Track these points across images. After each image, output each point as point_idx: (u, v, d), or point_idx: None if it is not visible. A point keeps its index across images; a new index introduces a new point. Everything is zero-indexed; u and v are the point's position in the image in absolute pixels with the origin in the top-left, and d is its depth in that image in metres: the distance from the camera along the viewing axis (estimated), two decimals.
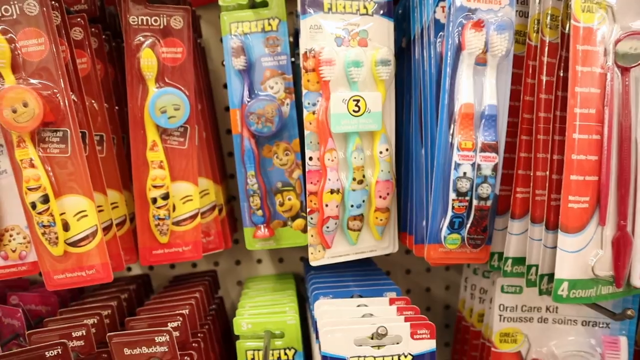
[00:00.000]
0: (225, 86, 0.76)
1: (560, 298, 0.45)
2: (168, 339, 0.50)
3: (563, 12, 0.47)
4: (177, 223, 0.58)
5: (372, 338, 0.48)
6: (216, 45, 0.74)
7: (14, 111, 0.47)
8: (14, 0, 0.48)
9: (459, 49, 0.48)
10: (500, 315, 0.58)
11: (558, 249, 0.44)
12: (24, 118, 0.47)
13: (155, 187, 0.56)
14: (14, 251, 0.56)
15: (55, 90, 0.49)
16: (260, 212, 0.58)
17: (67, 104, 0.49)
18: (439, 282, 0.79)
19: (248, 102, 0.57)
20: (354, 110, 0.53)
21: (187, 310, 0.57)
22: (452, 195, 0.49)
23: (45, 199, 0.50)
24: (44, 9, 0.48)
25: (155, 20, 0.55)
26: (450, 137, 0.49)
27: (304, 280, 0.74)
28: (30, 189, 0.49)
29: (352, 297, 0.58)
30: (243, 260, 0.77)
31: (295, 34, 0.62)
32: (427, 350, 0.48)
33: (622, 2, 0.44)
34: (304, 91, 0.53)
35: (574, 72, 0.43)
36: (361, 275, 0.64)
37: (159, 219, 0.57)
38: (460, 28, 0.48)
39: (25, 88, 0.47)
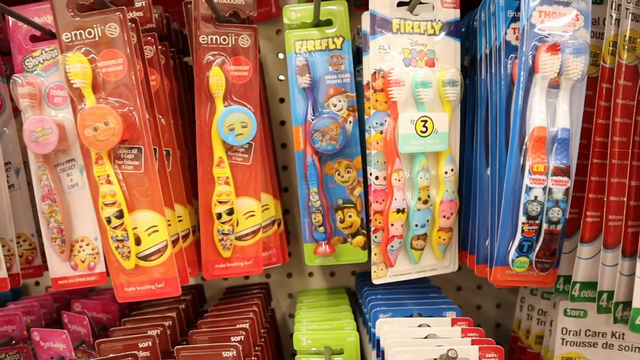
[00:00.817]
0: (281, 100, 0.77)
1: (637, 328, 0.44)
2: (235, 354, 0.51)
3: None
4: (239, 238, 0.59)
5: None
6: (273, 60, 0.75)
7: (95, 129, 0.48)
8: (98, 23, 0.49)
9: (532, 71, 0.48)
10: (563, 339, 0.57)
11: (637, 278, 0.43)
12: (104, 136, 0.48)
13: (220, 202, 0.57)
14: (83, 262, 0.58)
15: (131, 109, 0.50)
16: (322, 229, 0.59)
17: (142, 121, 0.50)
18: (490, 300, 0.78)
19: (312, 119, 0.58)
20: (421, 131, 0.53)
21: (248, 324, 0.58)
22: (522, 218, 0.49)
23: (120, 214, 0.51)
24: (124, 31, 0.49)
25: (224, 39, 0.56)
26: (522, 160, 0.49)
27: (354, 294, 0.75)
28: (106, 204, 0.51)
29: (411, 315, 0.58)
30: (295, 273, 0.78)
31: (356, 52, 0.63)
32: None
33: None
34: (372, 111, 0.53)
35: None
36: (417, 293, 0.64)
37: (223, 233, 0.58)
38: (534, 50, 0.47)
39: (107, 108, 0.48)
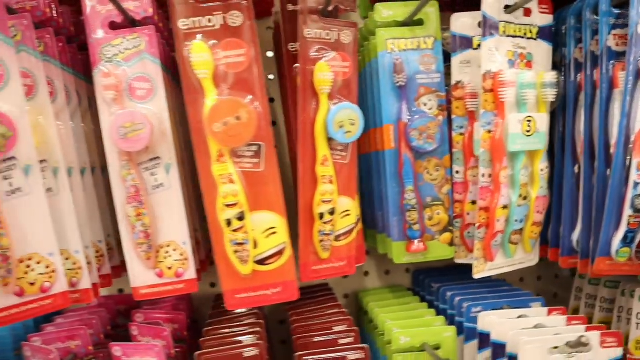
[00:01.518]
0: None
1: None
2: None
3: None
4: (336, 238, 0.57)
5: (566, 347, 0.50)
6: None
7: (225, 124, 0.45)
8: (219, 11, 0.46)
9: (637, 76, 0.52)
10: (638, 324, 0.61)
11: None
12: (236, 131, 0.45)
13: (324, 202, 0.55)
14: (170, 268, 0.54)
15: (257, 103, 0.47)
16: (417, 227, 0.59)
17: (265, 116, 0.48)
18: (542, 291, 0.82)
19: (409, 118, 0.58)
20: (526, 131, 0.55)
21: (345, 326, 0.57)
22: (629, 211, 0.52)
23: (242, 216, 0.48)
24: (247, 19, 0.47)
25: (328, 34, 0.54)
26: (628, 158, 0.52)
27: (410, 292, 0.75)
28: (227, 205, 0.48)
29: (502, 308, 0.60)
30: None
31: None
32: (615, 358, 0.50)
33: None
34: (481, 111, 0.54)
35: None
36: (491, 287, 0.66)
37: (325, 234, 0.56)
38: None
39: (240, 101, 0.45)
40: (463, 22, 0.59)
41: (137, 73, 0.52)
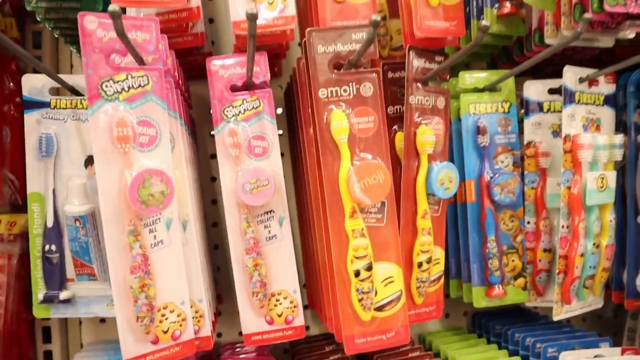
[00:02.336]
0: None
1: None
2: None
3: None
4: (429, 284, 0.62)
5: None
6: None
7: (366, 184, 0.50)
8: (353, 82, 0.52)
9: None
10: None
11: None
12: (374, 191, 0.50)
13: (423, 252, 0.60)
14: (279, 315, 0.57)
15: (383, 165, 0.53)
16: (497, 273, 0.65)
17: (389, 175, 0.53)
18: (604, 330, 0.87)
19: (490, 175, 0.64)
20: (600, 186, 0.62)
21: None
22: None
23: (369, 267, 0.52)
24: (378, 89, 0.52)
25: (427, 100, 0.60)
26: None
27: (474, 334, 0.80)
28: (357, 257, 0.52)
29: (573, 348, 0.65)
30: None
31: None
32: None
33: None
34: (562, 169, 0.61)
35: None
36: (556, 328, 0.71)
37: (422, 281, 0.60)
38: None
39: (379, 164, 0.51)
40: (535, 89, 0.66)
41: (256, 132, 0.56)
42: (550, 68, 0.73)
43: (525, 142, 0.67)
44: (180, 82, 0.60)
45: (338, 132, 0.51)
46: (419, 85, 0.59)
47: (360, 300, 0.53)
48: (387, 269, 0.54)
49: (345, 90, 0.52)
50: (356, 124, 0.52)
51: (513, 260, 0.67)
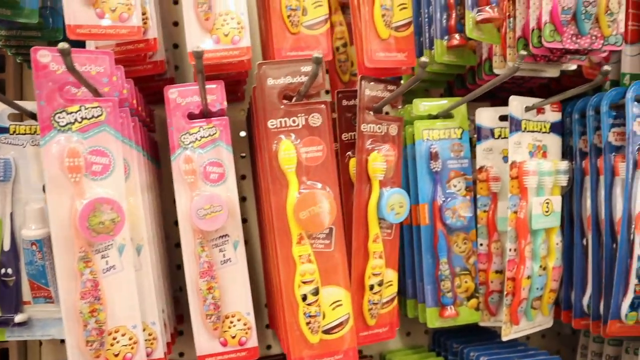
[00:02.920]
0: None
1: None
2: None
3: None
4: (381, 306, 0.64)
5: None
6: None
7: (310, 212, 0.52)
8: (302, 113, 0.54)
9: (635, 167, 0.62)
10: None
11: None
12: (318, 219, 0.52)
13: (374, 274, 0.62)
14: (233, 337, 0.59)
15: (330, 192, 0.55)
16: (450, 294, 0.67)
17: (337, 202, 0.55)
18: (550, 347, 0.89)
19: (443, 199, 0.67)
20: (545, 211, 0.64)
21: None
22: (635, 281, 0.62)
23: (316, 291, 0.54)
24: (326, 119, 0.54)
25: (379, 128, 0.63)
26: (631, 234, 0.62)
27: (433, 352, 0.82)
28: (304, 282, 0.54)
29: None
30: None
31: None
32: None
33: None
34: (509, 195, 0.64)
35: None
36: (508, 347, 0.73)
37: (373, 303, 0.62)
38: (636, 151, 0.62)
39: (325, 192, 0.52)
40: (486, 116, 0.69)
41: (211, 159, 0.58)
42: (504, 94, 0.76)
43: (477, 167, 0.69)
44: (140, 108, 0.61)
45: (285, 162, 0.53)
46: (371, 113, 0.61)
47: (307, 324, 0.54)
48: (335, 292, 0.56)
49: (294, 121, 0.54)
50: (305, 153, 0.54)
51: (466, 282, 0.69)
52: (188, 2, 0.57)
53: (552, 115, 0.68)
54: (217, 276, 0.58)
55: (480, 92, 0.57)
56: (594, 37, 0.59)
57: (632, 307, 0.62)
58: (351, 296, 0.62)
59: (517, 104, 0.64)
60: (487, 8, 0.59)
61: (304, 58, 0.55)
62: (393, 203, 0.61)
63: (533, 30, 0.59)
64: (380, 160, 0.61)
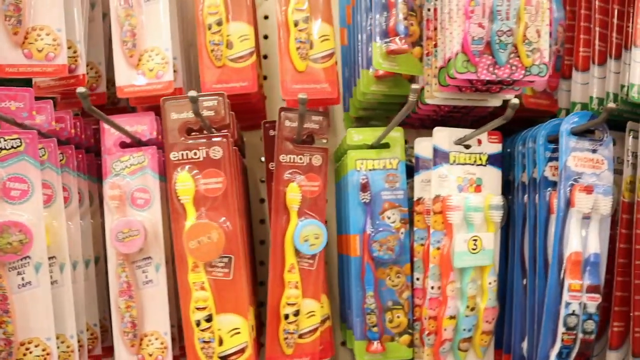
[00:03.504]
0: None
1: None
2: None
3: None
4: (300, 336, 0.64)
5: None
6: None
7: (200, 242, 0.54)
8: (203, 145, 0.56)
9: (568, 204, 0.58)
10: None
11: None
12: (208, 249, 0.54)
13: (289, 304, 0.62)
14: (151, 355, 0.61)
15: (227, 222, 0.56)
16: (375, 329, 0.65)
17: (235, 234, 0.56)
18: None
19: (372, 231, 0.66)
20: (472, 249, 0.61)
21: None
22: (562, 329, 0.57)
23: (210, 318, 0.56)
24: (227, 152, 0.56)
25: (300, 159, 0.63)
26: (561, 278, 0.58)
27: None
28: (198, 308, 0.56)
29: None
30: None
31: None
32: None
33: None
34: (431, 230, 0.62)
35: None
36: None
37: (289, 332, 0.63)
38: (570, 188, 0.58)
39: (213, 224, 0.54)
40: (425, 146, 0.67)
41: (139, 185, 0.62)
42: (452, 122, 0.73)
43: (415, 198, 0.67)
44: (84, 136, 0.67)
45: (181, 193, 0.55)
46: (289, 144, 0.62)
47: (202, 349, 0.56)
48: (234, 320, 0.57)
49: (195, 154, 0.56)
50: (204, 185, 0.56)
51: (398, 317, 0.67)
52: (116, 41, 0.62)
53: (491, 146, 0.65)
54: (135, 296, 0.61)
55: (395, 124, 0.57)
56: (514, 67, 0.56)
57: (560, 357, 0.58)
58: (268, 324, 0.63)
59: (442, 136, 0.62)
60: (397, 39, 0.58)
61: (206, 94, 0.57)
62: (307, 234, 0.61)
63: (450, 60, 0.57)
64: (296, 192, 0.61)
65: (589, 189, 0.57)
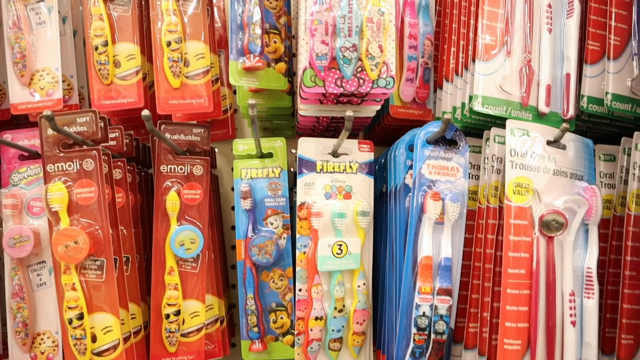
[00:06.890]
0: (232, 208, 0.88)
1: None
2: None
3: (500, 190, 0.59)
4: (185, 335, 0.68)
5: None
6: (228, 173, 0.88)
7: (67, 247, 0.59)
8: (77, 158, 0.61)
9: (421, 211, 0.61)
10: None
11: None
12: (74, 253, 0.59)
13: (169, 305, 0.66)
14: (42, 353, 0.66)
15: (97, 228, 0.61)
16: (256, 329, 0.69)
17: (106, 239, 0.61)
18: None
19: (252, 236, 0.69)
20: (337, 253, 0.64)
21: None
22: (414, 330, 0.60)
23: (81, 317, 0.60)
24: (98, 164, 0.61)
25: (181, 169, 0.68)
26: (413, 282, 0.60)
27: None
28: (69, 308, 0.60)
29: None
30: None
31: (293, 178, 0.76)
32: None
33: (545, 186, 0.57)
34: (297, 235, 0.65)
35: (507, 241, 0.55)
36: None
37: (170, 331, 0.67)
38: (423, 194, 0.60)
39: (78, 230, 0.59)
40: (308, 147, 0.69)
41: (35, 194, 0.67)
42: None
43: (297, 203, 0.71)
44: None
45: (53, 202, 0.60)
46: (170, 155, 0.67)
47: (74, 345, 0.61)
48: (106, 319, 0.62)
49: (70, 166, 0.61)
50: (77, 194, 0.61)
51: (282, 318, 0.70)
52: (8, 62, 0.67)
53: (361, 155, 0.68)
54: (27, 297, 0.66)
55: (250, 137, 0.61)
56: (361, 80, 0.59)
57: (414, 356, 0.60)
58: (151, 323, 0.67)
59: (307, 146, 0.65)
60: (251, 56, 0.62)
61: (79, 112, 0.62)
62: (182, 239, 0.66)
63: (304, 73, 0.61)
64: (174, 200, 0.66)
65: (436, 196, 0.60)
